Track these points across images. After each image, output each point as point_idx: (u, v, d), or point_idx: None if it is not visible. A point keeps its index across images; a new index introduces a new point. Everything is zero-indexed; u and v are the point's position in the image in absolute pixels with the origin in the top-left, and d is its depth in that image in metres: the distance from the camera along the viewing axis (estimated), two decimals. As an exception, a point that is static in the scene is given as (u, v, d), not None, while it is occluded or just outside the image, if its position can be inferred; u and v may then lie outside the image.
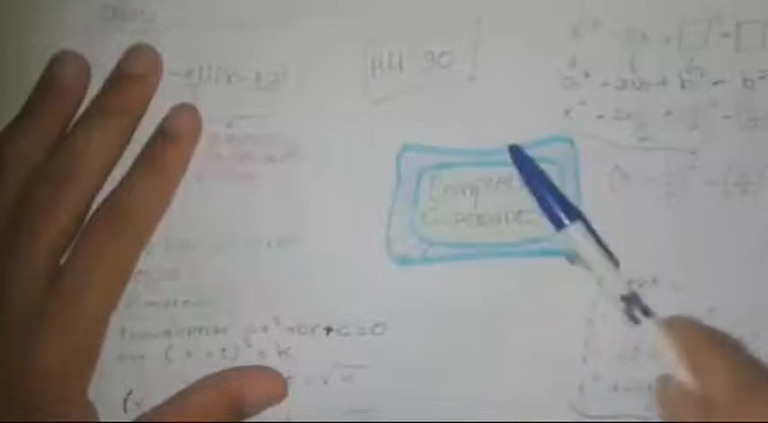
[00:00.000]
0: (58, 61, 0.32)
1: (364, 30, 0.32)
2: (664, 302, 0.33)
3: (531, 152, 0.33)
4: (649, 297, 0.33)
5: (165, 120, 0.32)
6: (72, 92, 0.32)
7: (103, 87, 0.32)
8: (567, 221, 0.32)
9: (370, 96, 0.33)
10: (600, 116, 0.33)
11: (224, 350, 0.33)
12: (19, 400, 0.30)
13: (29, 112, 0.32)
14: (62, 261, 0.31)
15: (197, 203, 0.33)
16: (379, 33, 0.32)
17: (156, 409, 0.32)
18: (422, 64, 0.33)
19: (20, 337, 0.30)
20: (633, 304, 0.31)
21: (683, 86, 0.33)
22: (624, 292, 0.31)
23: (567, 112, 0.33)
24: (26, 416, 0.30)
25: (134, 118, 0.32)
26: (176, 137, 0.32)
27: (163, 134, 0.32)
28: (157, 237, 0.33)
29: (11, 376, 0.30)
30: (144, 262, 0.33)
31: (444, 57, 0.33)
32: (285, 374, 0.33)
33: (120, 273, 0.32)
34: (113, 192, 0.32)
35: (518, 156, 0.32)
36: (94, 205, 0.32)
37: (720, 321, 0.33)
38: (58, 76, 0.32)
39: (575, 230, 0.31)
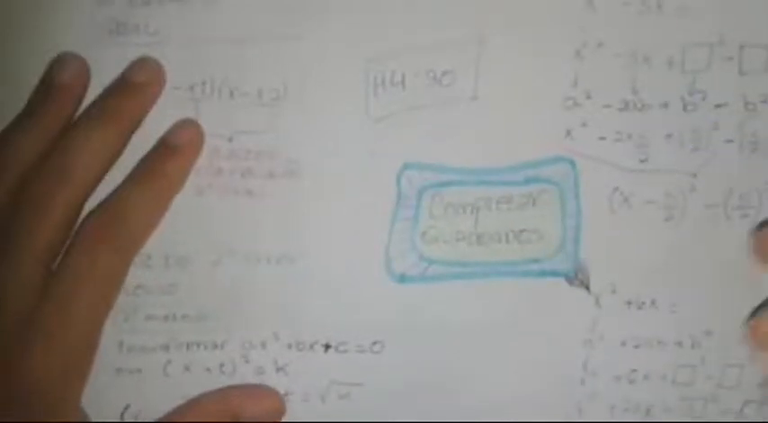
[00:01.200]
0: (57, 62, 0.32)
1: (366, 47, 0.32)
2: (662, 324, 0.33)
3: (532, 172, 0.33)
4: (648, 318, 0.33)
5: (169, 131, 0.32)
6: (71, 92, 0.32)
7: (104, 92, 0.32)
8: None
9: (371, 114, 0.33)
10: (601, 137, 0.33)
11: (222, 365, 0.33)
12: (10, 406, 0.30)
13: (28, 112, 0.32)
14: (55, 265, 0.31)
15: (196, 218, 0.33)
16: (381, 51, 0.32)
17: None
18: (424, 82, 0.33)
19: (10, 342, 0.30)
20: None
21: (684, 109, 0.33)
22: None
23: (568, 133, 0.33)
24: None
25: (132, 124, 0.32)
26: (178, 148, 0.32)
27: (165, 144, 0.32)
28: (156, 251, 0.33)
29: (2, 381, 0.30)
30: (143, 276, 0.33)
31: (446, 76, 0.32)
32: (283, 391, 0.33)
33: (113, 279, 0.31)
34: (109, 196, 0.32)
35: None
36: (87, 209, 0.32)
37: (718, 344, 0.33)
38: (58, 76, 0.32)
39: None
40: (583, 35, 0.32)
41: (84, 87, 0.32)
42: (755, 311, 0.33)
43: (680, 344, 0.33)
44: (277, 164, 0.33)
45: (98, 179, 0.31)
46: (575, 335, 0.33)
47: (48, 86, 0.32)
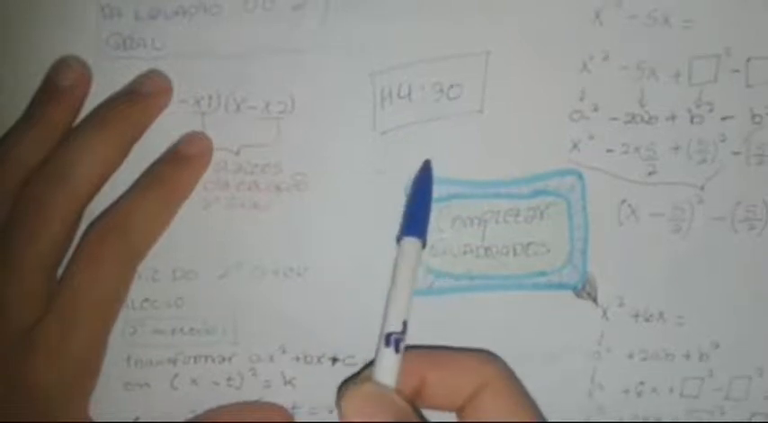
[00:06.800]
0: (58, 66, 0.32)
1: (374, 60, 0.32)
2: (670, 336, 0.33)
3: (540, 185, 0.33)
4: (656, 331, 0.33)
5: (179, 142, 0.32)
6: (72, 95, 0.32)
7: (108, 99, 0.32)
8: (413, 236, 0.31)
9: (378, 127, 0.33)
10: (608, 150, 0.33)
11: (230, 379, 0.33)
12: (12, 417, 0.30)
13: (29, 116, 0.32)
14: (59, 272, 0.31)
15: (203, 231, 0.33)
16: (388, 65, 0.32)
17: None
18: (431, 96, 0.32)
19: (12, 354, 0.30)
20: (397, 342, 0.30)
21: (691, 121, 0.33)
22: (394, 329, 0.30)
23: (575, 146, 0.33)
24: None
25: (134, 132, 0.32)
26: (188, 158, 0.32)
27: (175, 154, 0.32)
28: (163, 264, 0.33)
29: (6, 392, 0.30)
30: (150, 289, 0.33)
31: (453, 89, 0.32)
32: (290, 404, 0.33)
33: (116, 291, 0.31)
34: (115, 203, 0.32)
35: (426, 168, 0.32)
36: (88, 218, 0.32)
37: (725, 356, 0.33)
38: (59, 79, 0.32)
39: (410, 244, 0.31)
40: (590, 48, 0.32)
41: (86, 91, 0.32)
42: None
43: (687, 356, 0.33)
44: (284, 177, 0.33)
45: (98, 184, 0.31)
46: (582, 347, 0.33)
47: (49, 90, 0.32)
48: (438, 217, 0.33)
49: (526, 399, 0.30)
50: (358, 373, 0.33)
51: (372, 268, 0.33)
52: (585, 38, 0.32)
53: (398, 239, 0.31)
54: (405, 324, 0.30)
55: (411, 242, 0.31)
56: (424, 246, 0.31)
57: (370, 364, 0.30)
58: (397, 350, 0.29)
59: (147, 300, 0.33)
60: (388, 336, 0.30)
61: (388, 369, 0.29)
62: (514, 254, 0.33)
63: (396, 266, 0.31)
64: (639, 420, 0.34)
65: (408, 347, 0.30)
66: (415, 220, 0.32)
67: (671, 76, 0.32)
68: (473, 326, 0.33)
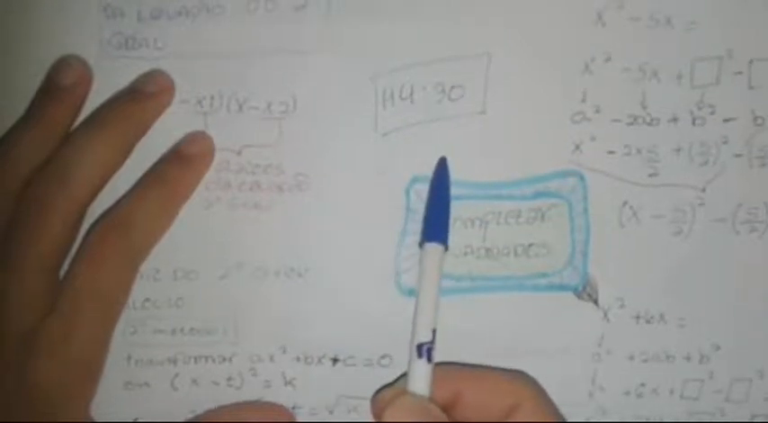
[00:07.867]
0: (59, 65, 0.32)
1: (375, 61, 0.32)
2: (670, 338, 0.33)
3: (541, 186, 0.33)
4: (656, 333, 0.33)
5: (181, 141, 0.32)
6: (73, 95, 0.32)
7: (110, 99, 0.32)
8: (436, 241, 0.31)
9: (379, 128, 0.33)
10: (610, 152, 0.33)
11: (230, 379, 0.33)
12: (13, 416, 0.30)
13: (29, 116, 0.32)
14: (61, 273, 0.31)
15: (205, 231, 0.33)
16: (390, 65, 0.32)
17: None
18: (432, 97, 0.32)
19: (14, 354, 0.30)
20: (428, 352, 0.30)
21: (693, 123, 0.33)
22: (424, 339, 0.30)
23: (577, 147, 0.33)
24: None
25: (136, 131, 0.32)
26: (190, 158, 0.32)
27: (177, 154, 0.32)
28: (164, 264, 0.33)
29: (8, 392, 0.30)
30: (151, 289, 0.33)
31: (455, 90, 0.32)
32: (291, 405, 0.33)
33: (119, 292, 0.31)
34: (117, 203, 0.32)
35: (441, 168, 0.32)
36: (90, 218, 0.32)
37: (726, 359, 0.33)
38: (59, 79, 0.32)
39: (433, 250, 0.31)
40: (592, 50, 0.32)
41: (87, 90, 0.32)
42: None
43: (688, 358, 0.33)
44: (285, 177, 0.33)
45: (99, 184, 0.31)
46: (583, 349, 0.33)
47: (49, 89, 0.32)
48: (439, 218, 0.33)
49: (559, 421, 0.30)
50: (391, 384, 0.33)
51: (373, 269, 0.33)
52: (587, 39, 0.32)
53: (421, 245, 0.32)
54: (434, 332, 0.30)
55: (434, 248, 0.31)
56: (446, 249, 0.31)
57: (404, 375, 0.31)
58: (429, 360, 0.30)
59: (147, 300, 0.33)
60: (420, 346, 0.30)
61: (422, 379, 0.30)
62: (515, 255, 0.33)
63: (420, 275, 0.31)
64: (640, 422, 0.34)
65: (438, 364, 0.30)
66: (436, 225, 0.32)
67: (673, 77, 0.32)
68: (474, 327, 0.33)
